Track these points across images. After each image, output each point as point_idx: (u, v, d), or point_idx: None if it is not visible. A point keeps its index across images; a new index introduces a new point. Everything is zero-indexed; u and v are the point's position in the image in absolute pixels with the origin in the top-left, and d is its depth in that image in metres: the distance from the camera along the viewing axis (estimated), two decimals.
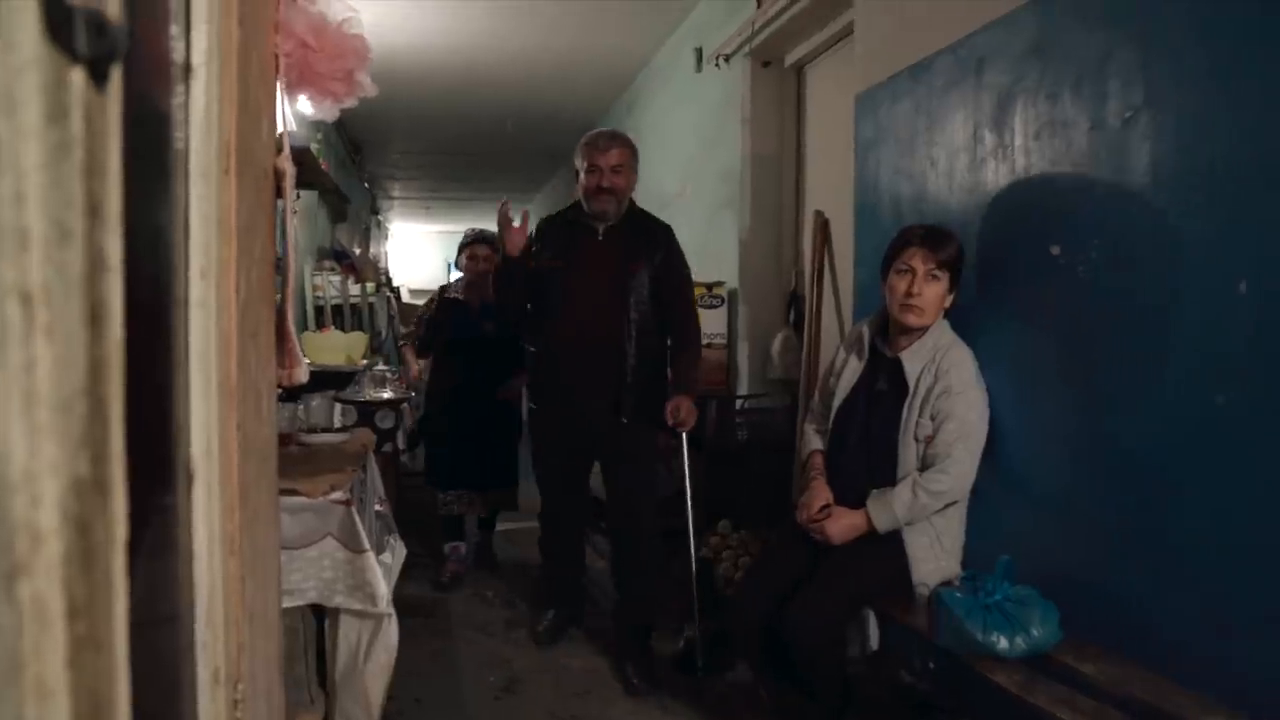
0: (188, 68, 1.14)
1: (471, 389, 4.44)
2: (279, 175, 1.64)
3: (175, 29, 1.10)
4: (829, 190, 4.30)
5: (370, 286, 6.41)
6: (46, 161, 0.60)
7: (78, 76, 0.66)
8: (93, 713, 0.67)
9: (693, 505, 3.50)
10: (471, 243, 4.59)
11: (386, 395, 4.45)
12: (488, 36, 5.91)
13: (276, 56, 1.60)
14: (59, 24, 0.61)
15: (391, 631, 2.19)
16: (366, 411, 4.21)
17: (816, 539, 2.64)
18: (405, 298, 11.60)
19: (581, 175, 3.46)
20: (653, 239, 3.48)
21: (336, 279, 6.10)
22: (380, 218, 14.26)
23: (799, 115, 4.72)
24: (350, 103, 1.67)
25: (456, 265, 4.77)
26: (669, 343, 3.51)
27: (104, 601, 0.71)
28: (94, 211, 0.70)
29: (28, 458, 0.58)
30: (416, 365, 4.77)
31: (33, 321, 0.59)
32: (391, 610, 2.19)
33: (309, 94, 1.64)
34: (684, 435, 3.44)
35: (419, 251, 19.10)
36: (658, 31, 5.95)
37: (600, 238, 3.45)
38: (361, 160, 10.29)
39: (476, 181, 12.55)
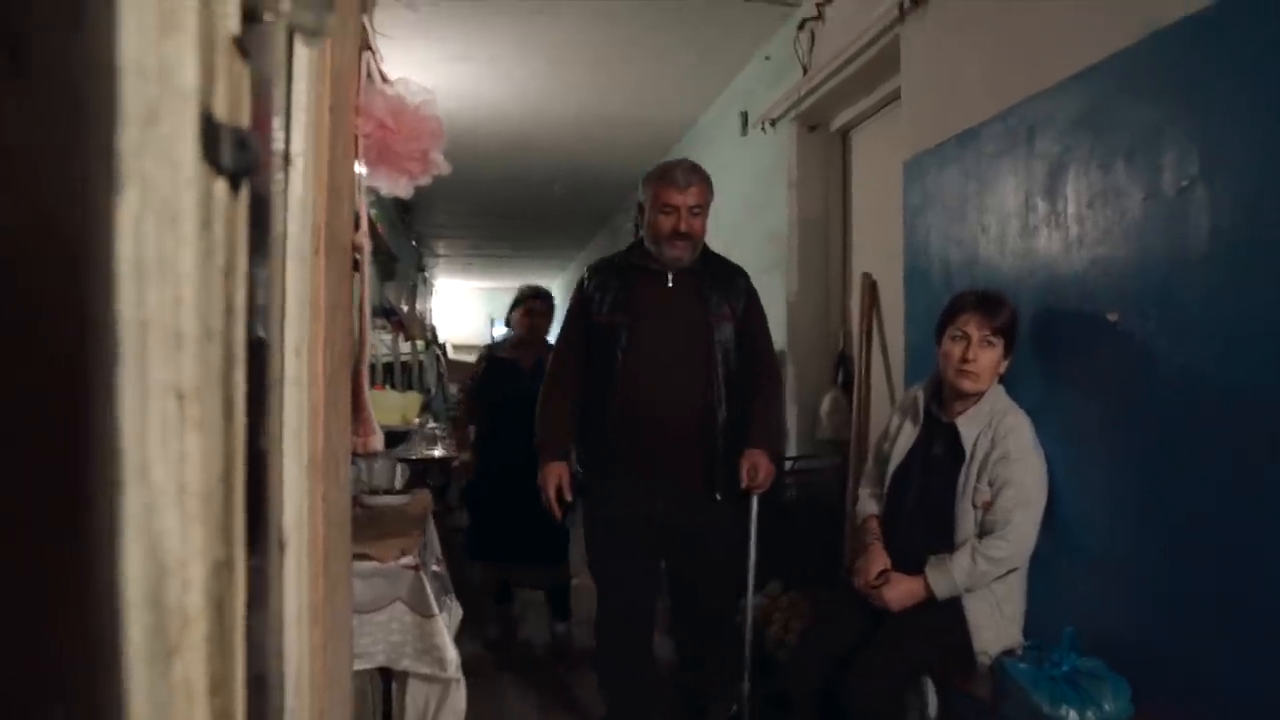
0: (287, 157, 1.21)
1: (524, 453, 4.09)
2: (356, 250, 1.71)
3: (278, 120, 1.17)
4: (876, 252, 4.33)
5: (420, 344, 6.51)
6: (198, 266, 0.65)
7: (220, 188, 0.71)
8: None
9: (754, 571, 3.27)
10: (528, 298, 4.46)
11: (438, 453, 4.51)
12: (538, 100, 6.05)
13: (356, 138, 1.68)
14: (210, 141, 0.67)
15: (459, 697, 2.21)
16: (417, 470, 4.27)
17: (874, 604, 2.63)
18: (450, 354, 11.73)
19: (649, 213, 3.02)
20: (733, 285, 3.11)
21: (388, 337, 6.20)
22: (426, 274, 14.47)
23: (845, 179, 4.78)
24: (425, 180, 1.74)
25: (507, 323, 4.67)
26: (748, 395, 3.08)
27: (232, 676, 0.75)
28: (229, 310, 0.75)
29: (180, 545, 0.62)
30: (468, 452, 4.53)
31: (184, 417, 0.63)
32: (460, 675, 2.21)
33: (386, 172, 1.70)
34: (754, 497, 3.09)
35: (461, 307, 19.32)
36: (704, 95, 6.05)
37: (670, 284, 3.02)
38: (410, 220, 10.49)
39: (519, 240, 12.73)
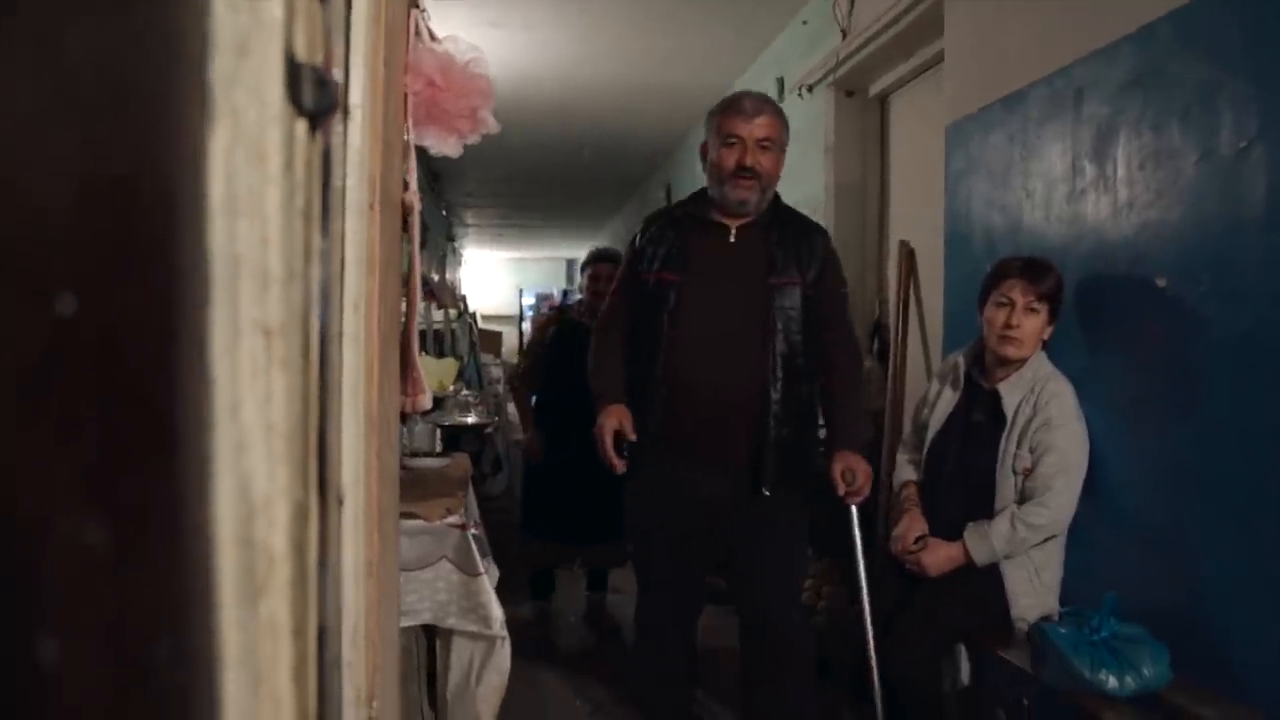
0: (346, 108, 1.20)
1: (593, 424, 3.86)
2: (406, 209, 1.71)
3: (338, 71, 1.16)
4: (913, 220, 4.28)
5: (453, 313, 6.52)
6: (283, 206, 0.65)
7: (301, 128, 0.70)
8: None
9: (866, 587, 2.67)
10: (594, 261, 4.17)
11: (471, 420, 4.51)
12: (571, 67, 6.01)
13: (406, 95, 1.67)
14: (293, 79, 0.66)
15: (504, 654, 2.23)
16: (453, 436, 4.28)
17: (911, 570, 2.63)
18: (479, 324, 11.76)
19: (711, 150, 2.60)
20: (808, 245, 2.65)
21: (420, 305, 6.20)
22: (455, 244, 14.50)
23: (883, 145, 4.72)
24: (474, 139, 1.73)
25: (577, 290, 4.48)
26: (822, 381, 2.70)
27: (310, 622, 0.75)
28: (308, 253, 0.74)
29: (267, 483, 0.62)
30: (531, 431, 4.21)
31: (271, 355, 0.63)
32: (505, 633, 2.23)
33: (435, 131, 1.69)
34: (854, 509, 2.68)
35: (491, 277, 19.36)
36: (739, 61, 5.99)
37: (733, 239, 2.60)
38: (440, 188, 10.49)
39: (549, 209, 12.72)
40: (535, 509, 4.15)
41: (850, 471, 2.59)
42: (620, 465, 2.58)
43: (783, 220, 2.67)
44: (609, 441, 2.56)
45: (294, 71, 0.66)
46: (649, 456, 2.61)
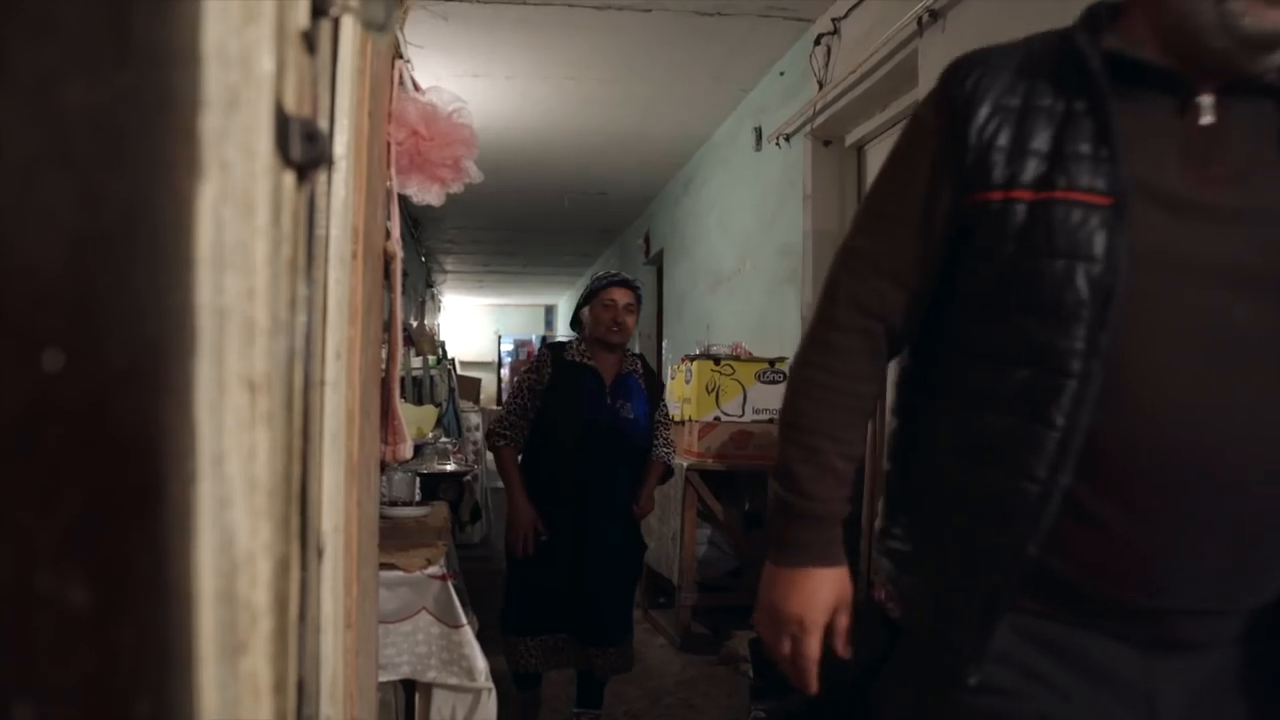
0: (331, 160, 1.21)
1: (597, 496, 3.22)
2: (388, 257, 1.71)
3: (324, 123, 1.16)
4: None
5: (432, 360, 6.51)
6: (270, 258, 0.65)
7: (289, 180, 0.71)
8: None
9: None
10: (607, 286, 3.31)
11: (450, 467, 4.49)
12: (552, 116, 6.07)
13: (389, 145, 1.68)
14: (282, 132, 0.66)
15: (490, 707, 2.19)
16: (431, 484, 4.25)
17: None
18: (458, 370, 11.75)
19: None
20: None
21: (400, 354, 6.19)
22: (434, 290, 14.51)
23: (859, 193, 4.78)
24: (457, 188, 1.74)
25: (574, 325, 3.51)
26: None
27: (288, 676, 0.74)
28: (293, 304, 0.74)
29: (250, 539, 0.62)
30: (522, 501, 3.19)
31: (255, 409, 0.63)
32: (491, 685, 2.20)
33: (419, 180, 1.70)
34: None
35: (470, 324, 19.37)
36: (717, 111, 6.07)
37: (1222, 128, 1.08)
38: (420, 235, 10.52)
39: (528, 256, 12.77)
40: (521, 600, 3.24)
41: None
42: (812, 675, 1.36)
43: None
44: (814, 632, 1.34)
45: (283, 124, 0.66)
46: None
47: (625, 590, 3.38)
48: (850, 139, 4.70)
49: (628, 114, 6.07)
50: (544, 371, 3.28)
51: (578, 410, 3.21)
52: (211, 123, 0.56)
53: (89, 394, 0.51)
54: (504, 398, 3.96)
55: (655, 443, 3.44)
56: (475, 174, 1.73)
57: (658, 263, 8.85)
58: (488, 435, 3.31)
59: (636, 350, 3.45)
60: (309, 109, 0.75)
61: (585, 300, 3.40)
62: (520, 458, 3.28)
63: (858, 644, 2.68)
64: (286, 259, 0.70)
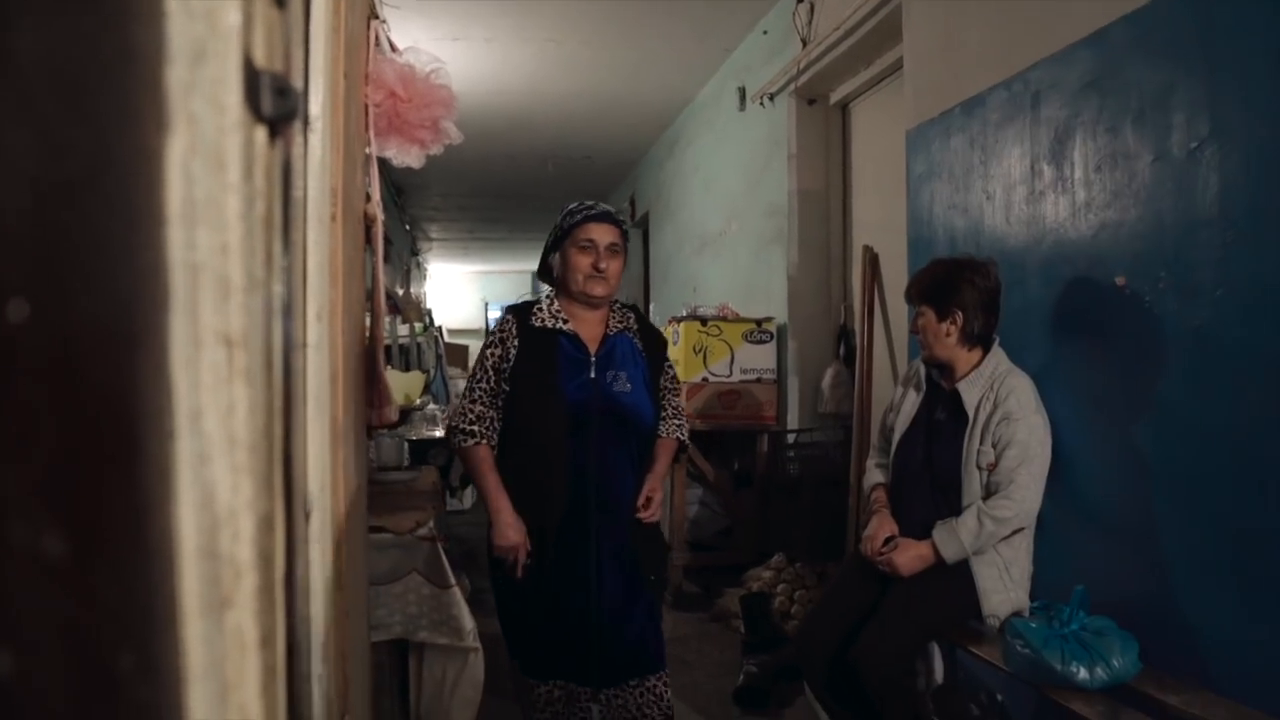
0: (306, 119, 1.19)
1: (596, 500, 2.44)
2: (369, 220, 1.70)
3: (299, 83, 1.15)
4: (876, 225, 4.32)
5: (419, 327, 6.49)
6: (243, 214, 0.64)
7: (260, 135, 0.70)
8: None
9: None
10: (582, 222, 2.49)
11: (439, 433, 4.49)
12: (534, 80, 6.02)
13: (367, 107, 1.66)
14: (251, 87, 0.66)
15: (478, 666, 2.21)
16: (420, 450, 4.26)
17: (884, 571, 2.64)
18: (445, 338, 11.72)
19: None
20: None
21: (385, 319, 6.17)
22: (419, 259, 14.44)
23: (844, 152, 4.76)
24: (437, 149, 1.72)
25: (542, 275, 2.69)
26: None
27: (277, 632, 0.74)
28: (269, 261, 0.74)
29: (231, 495, 0.62)
30: (507, 512, 2.40)
31: (233, 366, 0.63)
32: (478, 645, 2.21)
33: (398, 142, 1.69)
34: None
35: (457, 291, 19.29)
36: (700, 72, 6.02)
37: None
38: (403, 203, 10.45)
39: (513, 223, 12.70)
40: (522, 636, 2.47)
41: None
42: None
43: None
44: None
45: (252, 78, 0.65)
46: None
47: (651, 613, 2.55)
48: (835, 97, 4.67)
49: (610, 76, 6.02)
50: (508, 343, 2.47)
51: (556, 390, 2.41)
52: (177, 75, 0.55)
53: (62, 347, 0.50)
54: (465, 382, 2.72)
55: (663, 415, 2.64)
56: (455, 135, 1.72)
57: (644, 226, 8.83)
58: (448, 432, 2.47)
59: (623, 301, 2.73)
60: (280, 64, 0.75)
61: (556, 243, 2.57)
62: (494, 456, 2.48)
63: (841, 600, 2.71)
64: (261, 216, 0.70)
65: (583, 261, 2.46)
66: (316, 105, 1.21)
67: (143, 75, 0.53)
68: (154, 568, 0.55)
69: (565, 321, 2.50)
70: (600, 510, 2.44)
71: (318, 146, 1.21)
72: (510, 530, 2.37)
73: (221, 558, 0.60)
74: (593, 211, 2.51)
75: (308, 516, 1.21)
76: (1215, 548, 2.10)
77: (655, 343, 2.68)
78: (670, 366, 2.75)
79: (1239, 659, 2.04)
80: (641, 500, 2.51)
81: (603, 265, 2.46)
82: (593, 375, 2.46)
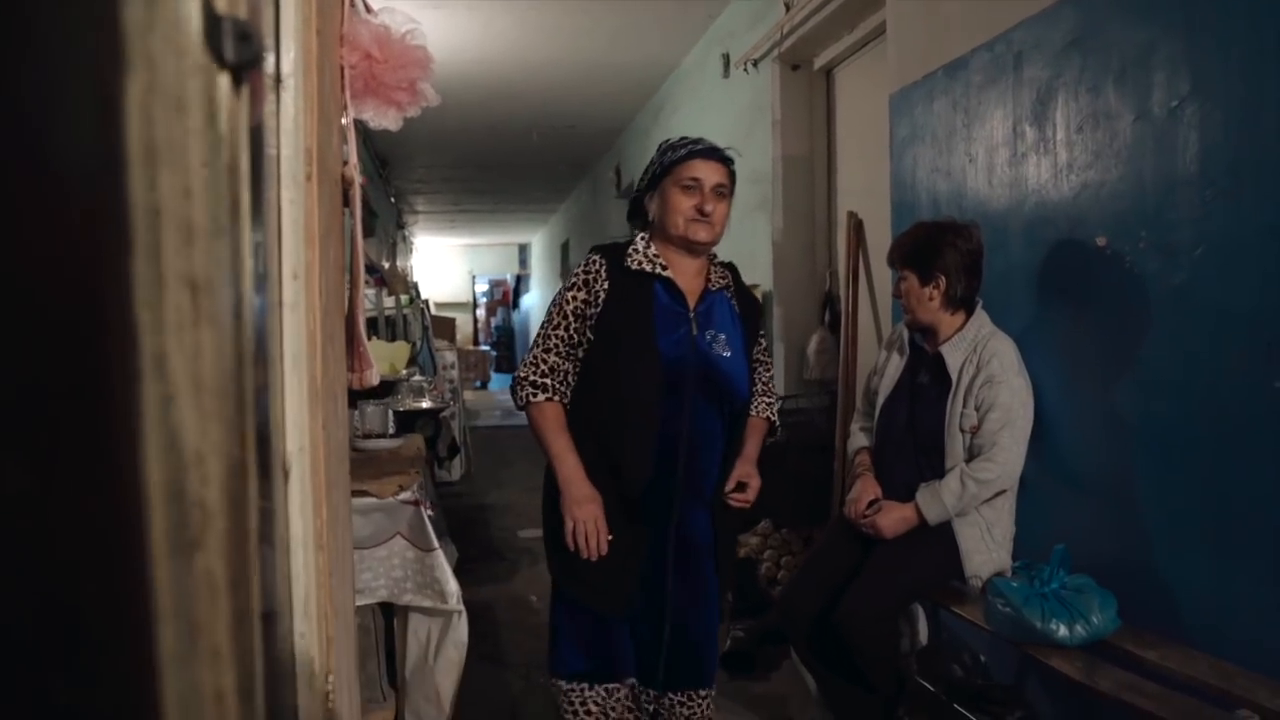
0: (278, 78, 1.19)
1: (686, 476, 2.19)
2: (346, 183, 1.69)
3: (269, 40, 1.14)
4: (861, 191, 4.32)
5: (405, 299, 6.48)
6: (207, 160, 0.64)
7: (224, 81, 0.70)
8: (246, 684, 0.71)
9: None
10: (687, 158, 2.21)
11: (425, 405, 4.50)
12: (514, 48, 5.97)
13: (342, 68, 1.65)
14: (212, 32, 0.65)
15: (461, 628, 2.23)
16: (407, 421, 4.26)
17: (867, 534, 2.66)
18: (432, 311, 11.70)
19: None
20: None
21: (371, 292, 6.16)
22: (405, 232, 14.38)
23: (829, 117, 4.75)
24: (414, 112, 1.71)
25: (633, 218, 2.40)
26: None
27: (249, 578, 0.75)
28: (235, 209, 0.74)
29: (199, 439, 0.62)
30: (579, 480, 2.14)
31: (199, 310, 0.63)
32: (462, 607, 2.23)
33: (374, 104, 1.68)
34: None
35: (444, 265, 19.24)
36: (684, 38, 5.98)
37: None
38: (388, 175, 10.39)
39: (499, 194, 12.65)
40: (574, 632, 2.27)
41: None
42: None
43: None
44: None
45: (213, 22, 0.65)
46: None
47: (717, 614, 2.38)
48: (819, 62, 4.65)
49: (593, 43, 5.97)
50: (596, 286, 2.19)
51: (651, 344, 2.13)
52: (133, 14, 0.55)
53: (22, 285, 0.50)
54: (536, 331, 2.28)
55: (754, 391, 2.38)
56: (432, 97, 1.71)
57: (630, 194, 8.79)
58: (514, 385, 2.18)
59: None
60: (243, 11, 0.74)
61: (653, 181, 2.29)
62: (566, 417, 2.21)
63: (826, 563, 2.73)
64: (226, 163, 0.69)
65: (685, 203, 2.19)
66: (289, 63, 1.20)
67: (97, 12, 0.53)
68: (120, 506, 0.55)
69: (664, 267, 2.23)
70: (687, 489, 2.19)
71: (290, 105, 1.21)
72: (587, 500, 2.11)
73: (189, 500, 0.61)
74: (698, 147, 2.23)
75: (286, 475, 1.21)
76: (1193, 506, 2.13)
77: (752, 308, 2.42)
78: (763, 337, 2.49)
79: (1215, 615, 2.07)
80: (731, 484, 2.25)
81: (708, 208, 2.19)
82: (692, 332, 2.20)
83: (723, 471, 2.26)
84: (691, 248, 2.24)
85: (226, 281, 0.69)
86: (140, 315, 0.57)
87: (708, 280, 2.30)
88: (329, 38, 1.51)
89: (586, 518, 2.10)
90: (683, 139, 2.27)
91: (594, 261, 2.24)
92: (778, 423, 2.49)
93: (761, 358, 2.44)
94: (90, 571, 0.53)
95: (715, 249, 2.32)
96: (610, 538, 2.12)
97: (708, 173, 2.21)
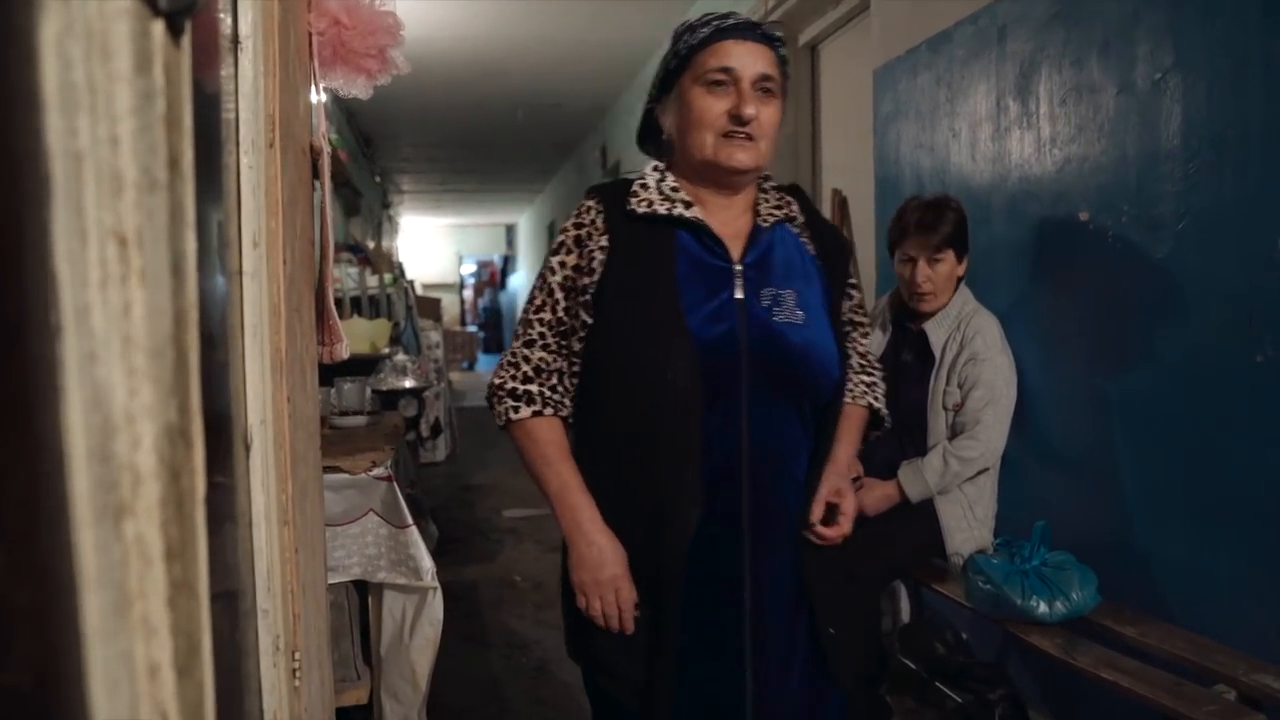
0: (235, 39, 1.15)
1: (750, 508, 1.48)
2: (315, 153, 1.66)
3: (224, 1, 1.11)
4: (846, 168, 4.29)
5: (388, 278, 6.44)
6: (136, 108, 0.61)
7: (158, 29, 0.67)
8: (188, 655, 0.68)
9: None
10: (716, 36, 1.50)
11: (408, 384, 4.47)
12: (497, 26, 5.91)
13: (310, 35, 1.61)
14: None
15: (436, 605, 2.21)
16: (390, 400, 4.23)
17: None
18: (418, 292, 11.65)
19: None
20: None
21: (354, 271, 6.13)
22: (391, 212, 14.30)
23: (813, 95, 4.71)
24: (384, 80, 1.68)
25: (644, 138, 1.75)
26: None
27: (192, 549, 0.72)
28: (174, 164, 0.71)
29: (128, 399, 0.59)
30: (589, 519, 1.50)
31: (129, 265, 0.60)
32: (436, 584, 2.21)
33: (343, 72, 1.64)
34: None
35: (430, 245, 19.15)
36: (669, 15, 5.92)
37: None
38: (373, 154, 10.32)
39: (485, 174, 12.58)
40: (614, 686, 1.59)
41: None
42: None
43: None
44: None
45: None
46: None
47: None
48: (803, 38, 4.61)
49: (577, 20, 5.92)
50: (591, 244, 1.54)
51: (678, 321, 1.46)
52: None
53: None
54: (518, 318, 1.59)
55: (847, 367, 1.62)
56: (402, 64, 1.67)
57: (616, 174, 8.76)
58: (491, 394, 1.59)
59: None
60: None
61: (667, 79, 1.61)
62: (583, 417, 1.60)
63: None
64: (161, 114, 0.67)
65: (714, 108, 1.48)
66: (246, 25, 1.17)
67: None
68: (36, 466, 0.53)
69: (688, 206, 1.53)
70: (756, 529, 1.48)
71: (249, 68, 1.17)
72: (606, 559, 1.47)
73: (117, 463, 0.58)
74: (727, 23, 1.52)
75: (248, 449, 1.19)
76: (1174, 482, 2.12)
77: (834, 244, 1.66)
78: (855, 287, 1.73)
79: (1195, 591, 2.07)
80: (816, 513, 1.53)
81: (749, 111, 1.46)
82: (739, 295, 1.50)
83: (807, 496, 1.54)
84: (726, 178, 1.53)
85: (162, 239, 0.67)
86: (59, 267, 0.54)
87: (756, 214, 1.58)
88: (294, 3, 1.48)
89: (603, 580, 1.47)
90: (705, 15, 1.57)
91: (587, 209, 1.57)
92: (884, 411, 1.74)
93: (855, 317, 1.71)
94: (3, 533, 0.50)
95: (767, 171, 1.60)
96: (637, 613, 1.49)
97: (746, 59, 1.48)
